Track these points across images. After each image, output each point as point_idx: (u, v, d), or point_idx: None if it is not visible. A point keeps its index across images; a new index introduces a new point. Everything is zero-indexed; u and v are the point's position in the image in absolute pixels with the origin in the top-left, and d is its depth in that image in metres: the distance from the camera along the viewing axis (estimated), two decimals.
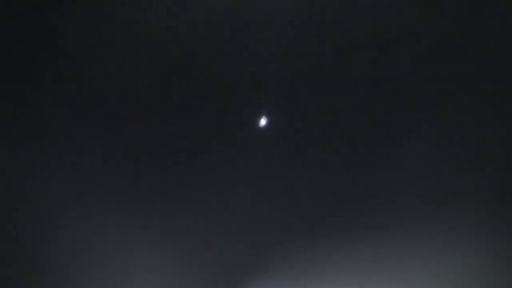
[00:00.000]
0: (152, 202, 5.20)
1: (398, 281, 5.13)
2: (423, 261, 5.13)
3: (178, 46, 5.23)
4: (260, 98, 5.29)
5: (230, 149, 5.27)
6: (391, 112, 5.29)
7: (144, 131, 5.26)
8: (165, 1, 5.21)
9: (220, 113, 5.29)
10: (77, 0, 5.21)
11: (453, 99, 5.26)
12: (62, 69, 5.23)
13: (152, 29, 5.21)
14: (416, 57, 5.25)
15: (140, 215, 5.17)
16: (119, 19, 5.22)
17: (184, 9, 5.21)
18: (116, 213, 5.16)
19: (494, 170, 5.23)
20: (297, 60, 5.27)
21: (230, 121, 5.29)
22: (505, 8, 5.22)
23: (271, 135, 5.29)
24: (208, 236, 5.19)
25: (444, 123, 5.26)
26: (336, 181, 5.25)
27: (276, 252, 5.19)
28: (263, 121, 5.20)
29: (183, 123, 5.26)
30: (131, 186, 5.19)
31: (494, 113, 5.24)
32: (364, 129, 5.29)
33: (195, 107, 5.26)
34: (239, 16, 5.24)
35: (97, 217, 5.17)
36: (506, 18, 5.24)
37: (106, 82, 5.25)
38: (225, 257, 5.17)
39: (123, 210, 5.17)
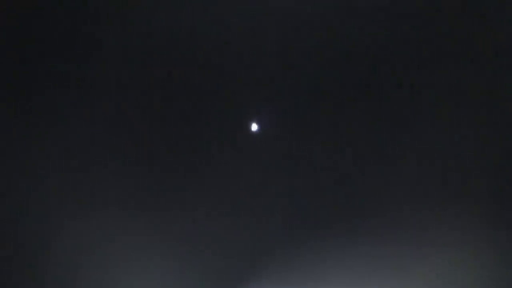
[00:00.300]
0: (151, 203, 5.20)
1: (398, 283, 5.11)
2: (424, 263, 5.12)
3: (176, 47, 5.25)
4: (259, 99, 5.30)
5: (230, 151, 5.27)
6: (391, 113, 5.29)
7: (144, 133, 5.27)
8: (164, 1, 5.23)
9: (220, 114, 5.29)
10: (76, 0, 5.25)
11: (453, 100, 5.27)
12: (62, 69, 5.25)
13: (150, 30, 5.22)
14: (417, 57, 5.26)
15: (139, 216, 5.17)
16: (118, 19, 5.24)
17: (182, 9, 5.23)
18: (114, 214, 5.16)
19: (495, 171, 5.22)
20: (295, 62, 5.28)
21: (230, 123, 5.30)
22: (505, 8, 5.23)
23: (271, 136, 5.29)
24: (207, 236, 5.19)
25: (444, 125, 5.26)
26: (336, 182, 5.25)
27: (276, 253, 5.18)
28: (255, 126, 5.21)
29: (182, 125, 5.27)
30: (129, 187, 5.20)
31: (494, 113, 5.24)
32: (364, 130, 5.29)
33: (194, 109, 5.27)
34: (238, 18, 5.26)
35: (97, 219, 5.17)
36: (506, 18, 5.25)
37: (105, 84, 5.26)
38: (224, 258, 5.17)
39: (121, 211, 5.17)
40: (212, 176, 5.25)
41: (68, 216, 5.16)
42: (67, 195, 5.19)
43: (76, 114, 5.25)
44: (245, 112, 5.30)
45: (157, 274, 5.13)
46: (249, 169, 5.27)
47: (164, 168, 5.25)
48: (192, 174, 5.24)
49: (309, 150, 5.28)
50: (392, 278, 5.10)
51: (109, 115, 5.27)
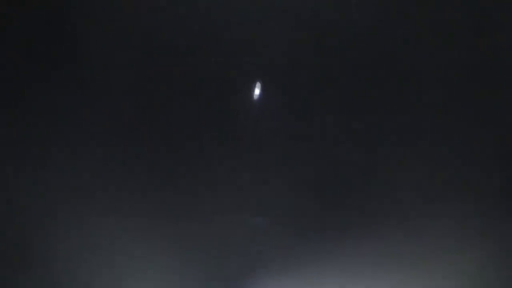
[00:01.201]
0: (150, 201, 5.20)
1: (398, 282, 5.12)
2: (425, 262, 5.12)
3: (175, 44, 5.25)
4: (260, 97, 5.30)
5: (230, 145, 5.27)
6: (392, 108, 5.29)
7: (143, 128, 5.26)
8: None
9: (220, 112, 5.29)
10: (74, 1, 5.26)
11: (455, 100, 5.27)
12: (60, 68, 5.24)
13: (147, 25, 5.23)
14: (418, 56, 5.26)
15: (138, 214, 5.17)
16: (114, 16, 5.24)
17: (180, 4, 5.23)
18: (112, 213, 5.16)
19: (496, 170, 5.22)
20: (296, 60, 5.28)
21: (231, 120, 5.29)
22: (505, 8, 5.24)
23: (271, 133, 5.29)
24: (207, 235, 5.19)
25: (446, 124, 5.27)
26: (336, 181, 5.25)
27: (276, 252, 5.18)
28: (257, 90, 5.19)
29: (180, 120, 5.26)
30: (128, 184, 5.20)
31: (495, 113, 5.25)
32: (365, 125, 5.28)
33: (192, 102, 5.27)
34: (235, 11, 5.27)
35: (96, 217, 5.17)
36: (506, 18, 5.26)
37: (102, 80, 5.26)
38: (224, 256, 5.17)
39: (120, 210, 5.18)
40: (211, 175, 5.25)
41: (67, 216, 5.16)
42: (66, 194, 5.18)
43: (74, 113, 5.24)
44: (245, 110, 5.30)
45: (157, 274, 5.13)
46: (249, 167, 5.27)
47: (163, 166, 5.25)
48: (193, 174, 5.24)
49: (309, 149, 5.28)
50: (393, 277, 5.11)
51: (106, 111, 5.26)
